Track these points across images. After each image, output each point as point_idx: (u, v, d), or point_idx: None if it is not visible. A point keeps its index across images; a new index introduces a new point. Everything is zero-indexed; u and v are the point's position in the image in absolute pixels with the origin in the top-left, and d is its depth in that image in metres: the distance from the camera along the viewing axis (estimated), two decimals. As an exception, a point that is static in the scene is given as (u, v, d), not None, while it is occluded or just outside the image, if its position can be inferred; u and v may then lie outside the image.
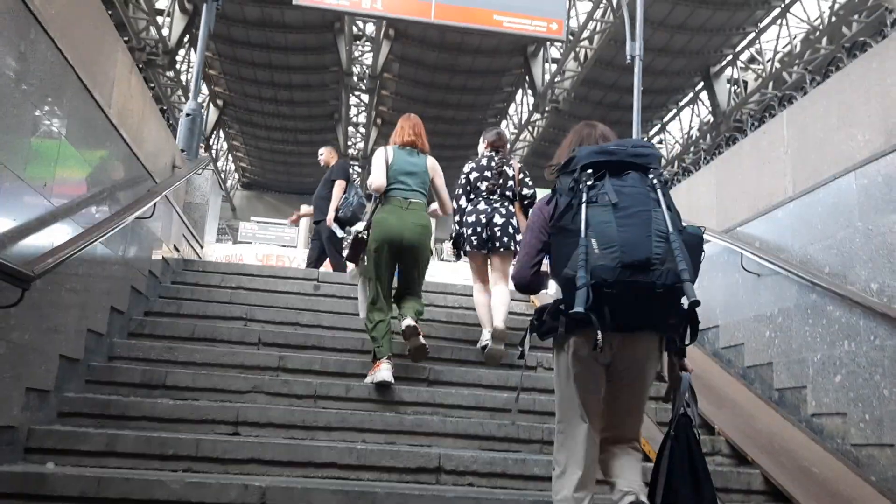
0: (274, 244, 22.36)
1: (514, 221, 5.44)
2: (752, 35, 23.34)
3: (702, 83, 25.87)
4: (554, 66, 24.22)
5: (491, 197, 5.46)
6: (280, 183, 35.05)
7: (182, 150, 7.90)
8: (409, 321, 4.84)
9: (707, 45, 23.45)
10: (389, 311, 4.97)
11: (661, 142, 30.18)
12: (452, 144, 30.17)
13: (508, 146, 6.17)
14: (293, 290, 6.52)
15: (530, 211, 5.12)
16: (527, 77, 25.42)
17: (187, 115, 8.58)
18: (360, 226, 5.20)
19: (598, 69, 23.49)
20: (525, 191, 5.61)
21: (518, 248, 5.24)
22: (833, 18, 20.38)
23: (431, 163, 5.23)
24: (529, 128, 27.68)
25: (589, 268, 2.44)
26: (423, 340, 4.87)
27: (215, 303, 5.92)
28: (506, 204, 5.48)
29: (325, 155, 9.05)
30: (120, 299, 4.87)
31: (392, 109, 27.69)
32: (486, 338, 5.38)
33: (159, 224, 5.82)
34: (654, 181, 2.62)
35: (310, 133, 29.74)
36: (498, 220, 5.37)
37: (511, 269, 4.24)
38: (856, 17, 19.87)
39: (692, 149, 28.21)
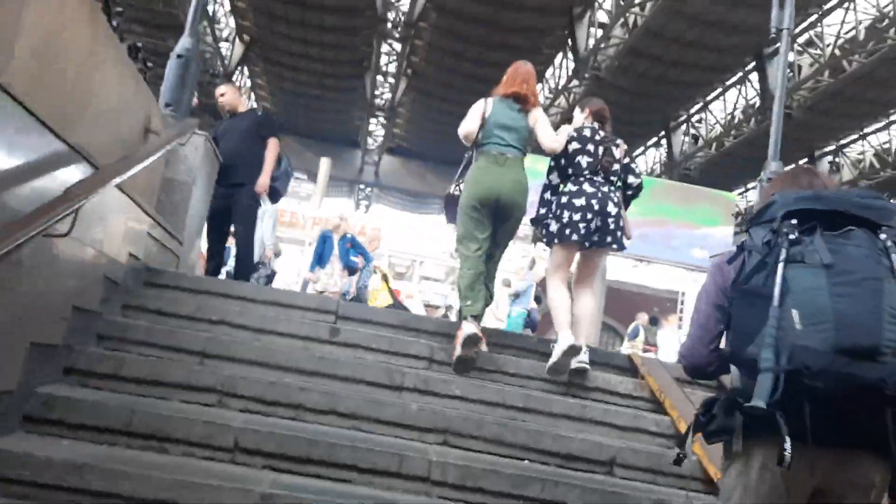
0: (290, 197, 21.40)
1: (623, 213, 4.66)
2: (815, 16, 21.86)
3: (753, 63, 24.45)
4: (600, 32, 22.88)
5: (595, 178, 4.60)
6: (301, 127, 34.03)
7: (167, 106, 6.00)
8: (471, 328, 4.26)
9: (765, 21, 21.97)
10: (485, 272, 4.54)
11: (700, 121, 28.85)
12: (484, 104, 29.01)
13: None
14: (300, 332, 4.45)
15: (714, 266, 4.59)
16: (569, 40, 24.10)
17: (179, 56, 6.36)
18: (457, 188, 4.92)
19: (647, 38, 22.16)
20: (631, 178, 4.78)
21: (625, 246, 4.62)
22: (907, 7, 18.92)
23: (535, 117, 4.70)
24: (565, 94, 26.39)
25: (783, 348, 1.83)
26: (484, 348, 4.41)
27: (178, 353, 3.91)
28: (614, 189, 4.66)
29: (229, 95, 6.67)
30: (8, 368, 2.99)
31: (425, 61, 26.50)
32: (564, 344, 4.32)
33: (100, 230, 3.83)
34: (889, 243, 1.94)
35: (336, 78, 28.62)
36: (612, 208, 4.54)
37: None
38: (933, 7, 18.43)
39: (733, 132, 26.91)
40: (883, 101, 25.02)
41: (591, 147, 4.66)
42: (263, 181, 6.35)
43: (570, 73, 25.30)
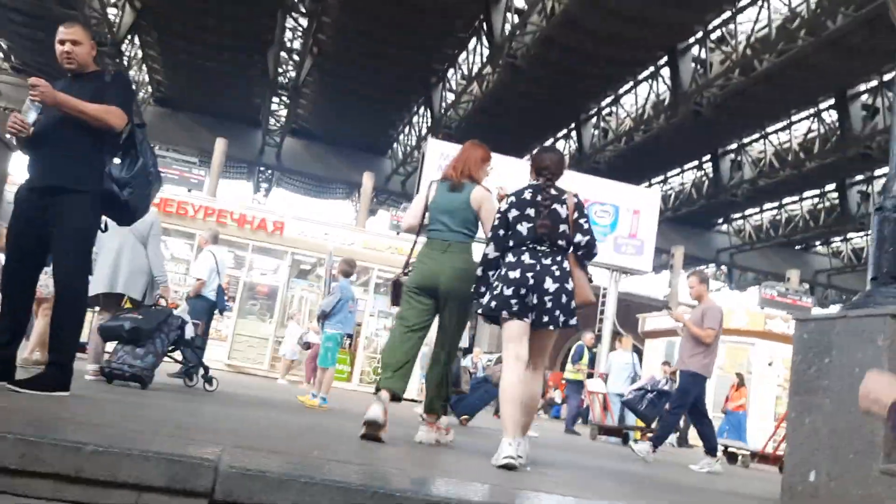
0: (178, 184, 18.83)
1: (569, 286, 4.04)
2: (729, 13, 21.86)
3: (666, 59, 24.34)
4: (517, 18, 22.15)
5: (538, 248, 4.07)
6: (198, 103, 31.93)
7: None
8: (376, 410, 4.06)
9: (679, 18, 21.82)
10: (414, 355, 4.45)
11: (610, 114, 28.70)
12: (392, 89, 27.88)
13: (564, 169, 4.39)
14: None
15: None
16: (485, 25, 23.29)
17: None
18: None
19: (563, 28, 21.58)
20: (578, 237, 4.13)
21: (571, 322, 4.02)
22: (818, 9, 19.03)
23: (477, 194, 4.51)
24: (479, 81, 25.60)
25: None
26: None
27: None
28: (559, 259, 4.08)
29: (81, 48, 3.99)
30: None
31: (332, 39, 25.12)
32: (506, 452, 3.79)
33: None
34: None
35: (236, 52, 26.87)
36: (550, 284, 4.00)
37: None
38: (843, 9, 18.58)
39: (643, 127, 26.85)
40: (786, 102, 25.50)
41: (531, 211, 4.12)
42: (55, 96, 3.67)
43: (484, 59, 24.50)
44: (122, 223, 4.22)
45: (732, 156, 30.24)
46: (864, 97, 24.61)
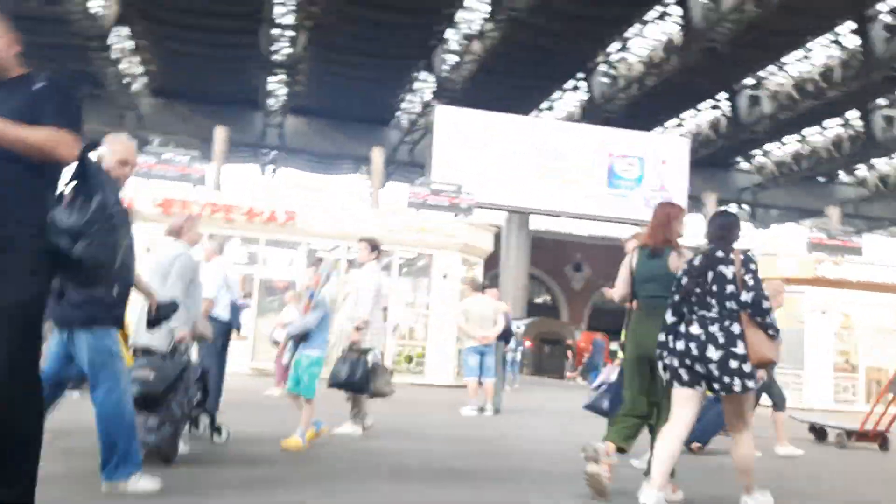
0: (179, 181, 17.57)
1: (737, 349, 3.99)
2: (738, -59, 20.69)
3: (675, -5, 23.23)
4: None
5: (707, 315, 4.13)
6: (194, 90, 31.11)
7: None
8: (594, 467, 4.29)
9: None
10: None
11: (620, 60, 27.61)
12: (390, 55, 26.89)
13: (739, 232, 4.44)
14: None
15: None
16: (482, -21, 22.29)
17: None
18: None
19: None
20: (743, 296, 4.07)
21: (748, 384, 3.99)
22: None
23: (674, 260, 4.57)
24: (480, 39, 24.61)
25: None
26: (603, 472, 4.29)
27: None
28: (727, 324, 4.07)
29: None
30: None
31: (323, 10, 24.11)
32: (643, 498, 3.98)
33: None
34: None
35: (227, 33, 25.93)
36: (713, 353, 4.04)
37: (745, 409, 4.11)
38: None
39: (655, 70, 25.79)
40: (803, 30, 24.36)
41: (701, 277, 4.25)
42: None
43: (483, 15, 23.49)
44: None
45: (750, 91, 29.11)
46: (886, 17, 23.41)
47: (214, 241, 7.13)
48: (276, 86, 30.18)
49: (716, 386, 4.04)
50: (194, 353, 5.23)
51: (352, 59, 26.92)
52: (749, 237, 41.29)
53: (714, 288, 4.12)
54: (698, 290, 4.18)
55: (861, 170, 35.91)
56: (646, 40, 25.93)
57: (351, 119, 32.71)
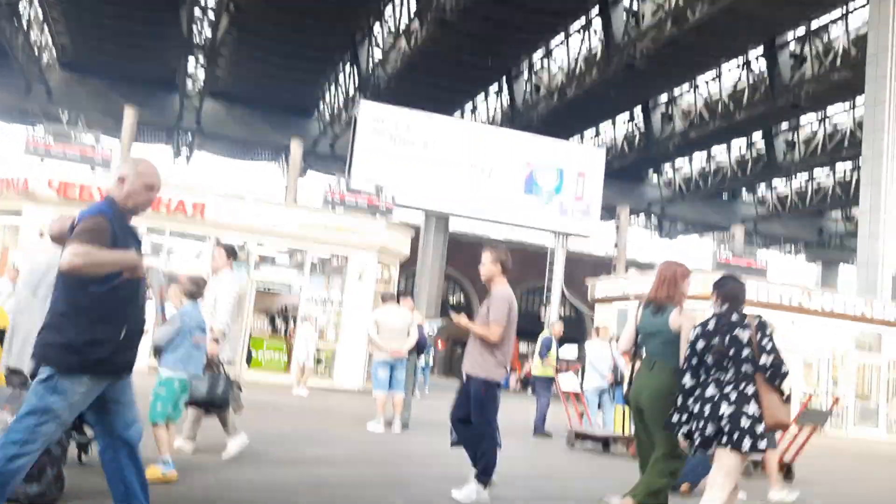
0: (80, 163, 16.37)
1: (748, 409, 4.11)
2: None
3: (598, 9, 23.84)
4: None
5: (723, 378, 4.21)
6: (109, 66, 29.88)
7: None
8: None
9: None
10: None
11: (542, 68, 28.16)
12: (315, 46, 26.58)
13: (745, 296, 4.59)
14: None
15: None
16: (411, -23, 22.31)
17: None
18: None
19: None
20: (763, 358, 4.15)
21: (759, 445, 4.10)
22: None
23: (675, 318, 4.74)
24: (407, 37, 24.61)
25: None
26: None
27: None
28: (742, 386, 4.16)
29: None
30: None
31: (249, -5, 23.65)
32: None
33: None
34: None
35: (145, 10, 25.04)
36: (725, 408, 4.15)
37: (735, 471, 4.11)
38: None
39: (575, 82, 26.41)
40: (716, 52, 25.43)
41: (715, 340, 4.28)
42: None
43: (411, 14, 23.51)
44: None
45: (664, 108, 30.18)
46: (792, 46, 24.70)
47: None
48: (195, 68, 29.37)
49: (724, 440, 4.10)
50: None
51: (275, 47, 26.46)
52: (657, 249, 42.79)
53: (731, 351, 4.19)
54: (715, 355, 4.24)
55: (762, 189, 37.76)
56: (568, 51, 26.50)
57: (271, 107, 32.15)
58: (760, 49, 25.23)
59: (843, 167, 32.60)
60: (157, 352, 5.16)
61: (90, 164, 16.08)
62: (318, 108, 33.23)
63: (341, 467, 6.28)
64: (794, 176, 34.72)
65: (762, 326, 4.24)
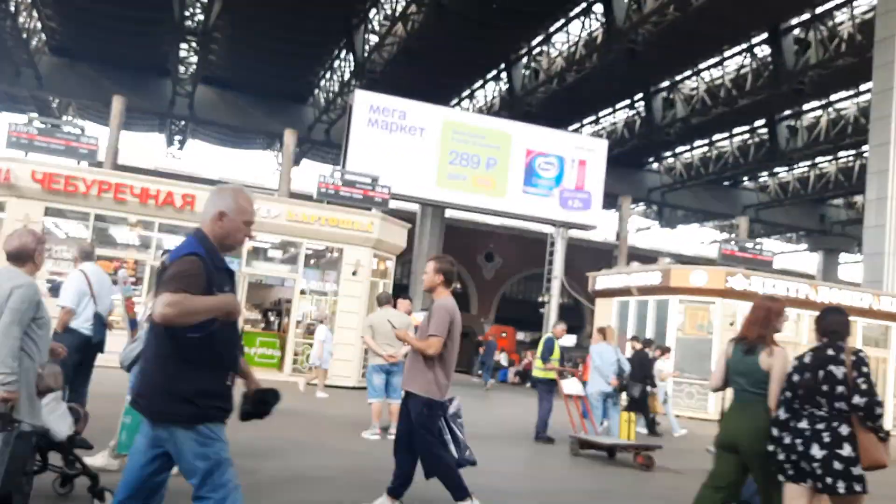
0: (63, 155, 15.80)
1: (843, 451, 4.03)
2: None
3: (598, -7, 23.32)
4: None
5: (816, 412, 4.17)
6: (99, 52, 29.30)
7: None
8: None
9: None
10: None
11: (541, 53, 27.64)
12: (310, 31, 26.02)
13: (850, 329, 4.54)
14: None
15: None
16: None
17: None
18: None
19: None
20: (856, 398, 4.06)
21: (855, 488, 4.01)
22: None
23: (766, 358, 4.53)
24: (403, 22, 24.09)
25: None
26: None
27: None
28: (835, 424, 4.10)
29: None
30: None
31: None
32: None
33: None
34: None
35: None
36: (817, 451, 4.10)
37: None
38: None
39: (575, 67, 25.90)
40: (719, 37, 24.93)
41: (809, 375, 4.27)
42: None
43: (408, -2, 22.98)
44: None
45: (665, 94, 29.69)
46: (797, 31, 24.20)
47: (81, 245, 6.31)
48: (188, 54, 28.78)
49: (819, 485, 4.09)
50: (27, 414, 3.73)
51: (269, 31, 25.90)
52: (659, 237, 42.41)
53: (824, 387, 4.15)
54: (808, 388, 4.25)
55: (764, 177, 37.35)
56: (568, 36, 25.98)
57: (265, 93, 31.60)
58: (764, 34, 24.70)
59: (845, 154, 32.22)
60: (128, 369, 4.80)
61: (75, 156, 15.57)
62: (314, 94, 32.67)
63: (333, 483, 5.95)
64: (796, 163, 34.33)
65: (859, 363, 4.14)
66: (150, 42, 27.57)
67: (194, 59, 28.84)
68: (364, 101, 19.24)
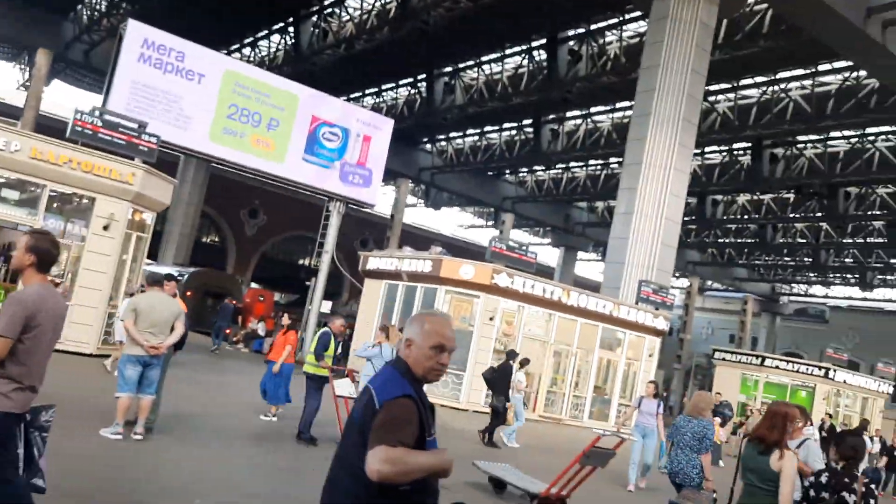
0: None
1: None
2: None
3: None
4: None
5: None
6: None
7: None
8: None
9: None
10: None
11: (332, 14, 26.84)
12: None
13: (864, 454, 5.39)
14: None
15: None
16: None
17: None
18: None
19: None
20: None
21: None
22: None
23: (776, 459, 4.81)
24: None
25: None
26: None
27: None
28: None
29: None
30: None
31: None
32: None
33: None
34: None
35: None
36: None
37: None
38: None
39: (365, 36, 25.51)
40: (504, 35, 25.85)
41: (825, 494, 4.66)
42: None
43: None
44: None
45: (447, 79, 30.26)
46: (572, 43, 25.72)
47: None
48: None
49: None
50: None
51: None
52: (425, 217, 43.37)
53: None
54: None
55: (524, 173, 39.69)
56: (362, 3, 25.49)
57: (19, -1, 27.46)
58: (544, 40, 25.99)
59: (595, 163, 35.18)
60: None
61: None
62: (76, 9, 28.94)
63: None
64: (553, 165, 36.86)
65: (867, 496, 4.55)
66: None
67: None
68: (137, 33, 17.24)
